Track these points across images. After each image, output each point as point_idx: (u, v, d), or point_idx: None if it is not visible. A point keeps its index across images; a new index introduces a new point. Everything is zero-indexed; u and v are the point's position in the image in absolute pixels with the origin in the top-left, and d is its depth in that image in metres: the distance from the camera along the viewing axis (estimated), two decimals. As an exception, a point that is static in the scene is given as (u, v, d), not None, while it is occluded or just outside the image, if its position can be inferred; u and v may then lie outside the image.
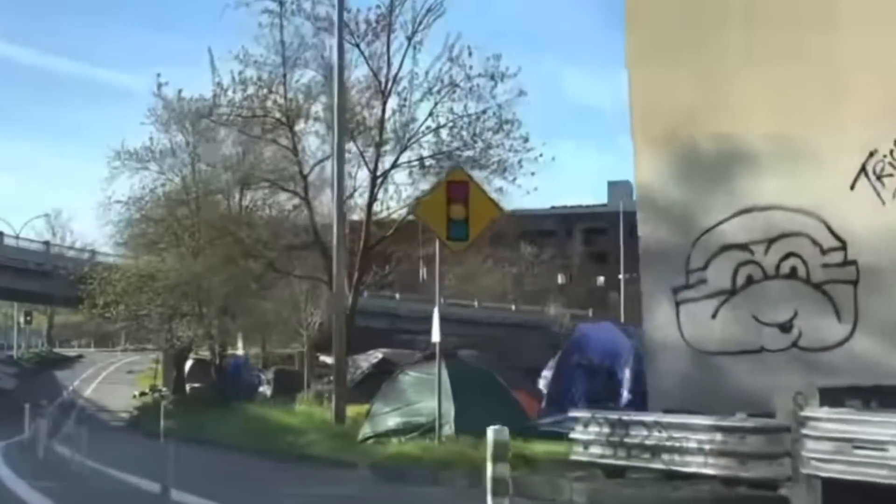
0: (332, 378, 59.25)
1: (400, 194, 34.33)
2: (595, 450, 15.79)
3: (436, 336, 22.40)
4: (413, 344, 56.65)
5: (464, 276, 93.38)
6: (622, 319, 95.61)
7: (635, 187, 19.83)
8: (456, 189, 21.93)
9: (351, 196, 34.31)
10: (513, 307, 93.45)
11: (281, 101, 33.12)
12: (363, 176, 34.65)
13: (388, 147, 33.63)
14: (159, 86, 34.24)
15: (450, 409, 22.55)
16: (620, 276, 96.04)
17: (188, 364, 72.92)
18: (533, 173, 33.15)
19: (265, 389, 54.70)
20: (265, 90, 33.04)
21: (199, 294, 49.16)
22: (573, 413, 16.44)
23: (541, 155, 33.05)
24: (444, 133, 33.55)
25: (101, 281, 50.56)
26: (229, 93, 32.93)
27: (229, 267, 43.71)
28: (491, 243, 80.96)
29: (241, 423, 34.89)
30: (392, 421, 23.90)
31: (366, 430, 24.41)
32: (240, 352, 61.12)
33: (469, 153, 33.34)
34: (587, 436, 15.96)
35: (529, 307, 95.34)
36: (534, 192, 33.97)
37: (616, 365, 24.49)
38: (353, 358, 56.02)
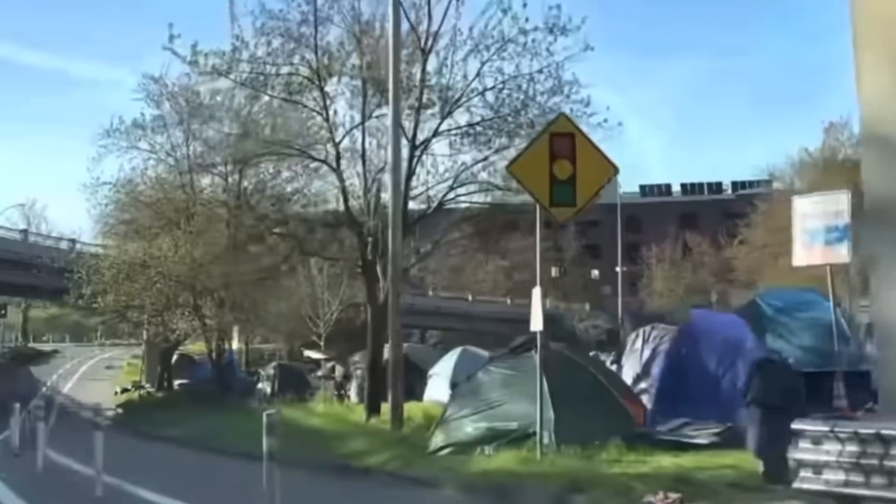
0: (326, 375, 56.52)
1: (437, 167, 29.73)
2: (831, 475, 11.33)
3: (537, 323, 17.96)
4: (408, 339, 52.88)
5: (454, 268, 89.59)
6: (619, 312, 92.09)
7: (860, 119, 15.09)
8: (560, 143, 17.51)
9: (382, 170, 29.71)
10: (508, 301, 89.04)
11: (310, 55, 28.32)
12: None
13: (429, 112, 28.97)
14: (171, 38, 29.64)
15: (548, 414, 18.10)
16: (618, 269, 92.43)
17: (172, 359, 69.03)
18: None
19: (264, 386, 50.24)
20: (292, 43, 28.28)
21: (197, 284, 44.85)
22: (798, 425, 11.87)
23: (605, 120, 28.36)
24: (490, 96, 28.95)
25: (89, 269, 46.07)
26: (251, 46, 28.08)
27: (237, 253, 39.57)
28: (479, 235, 76.54)
29: (260, 426, 30.21)
30: (472, 427, 19.34)
31: (438, 438, 19.84)
32: (235, 346, 56.43)
33: (521, 119, 28.78)
34: (820, 456, 11.46)
35: (524, 301, 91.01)
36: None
37: (735, 361, 19.99)
38: (364, 353, 51.78)
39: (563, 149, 17.36)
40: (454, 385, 36.54)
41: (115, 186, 47.34)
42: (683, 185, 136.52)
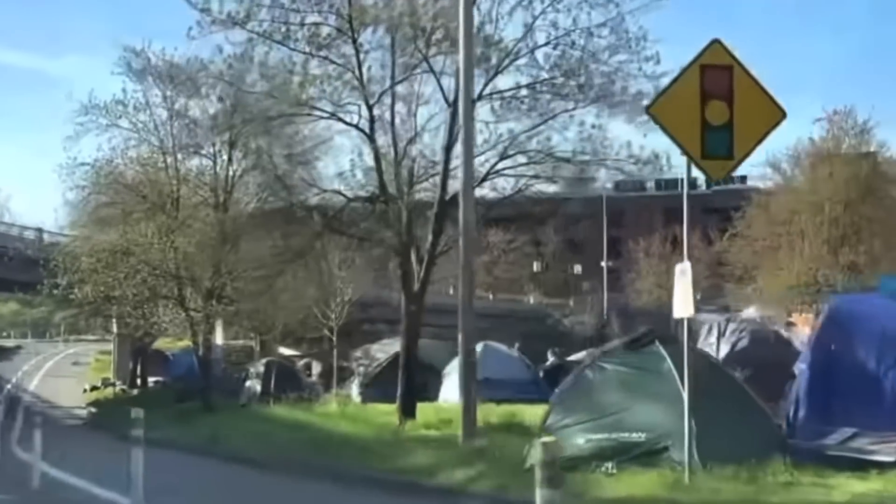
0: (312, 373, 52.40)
1: (486, 134, 25.54)
2: None
3: (684, 308, 13.96)
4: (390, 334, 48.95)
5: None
6: (604, 308, 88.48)
7: None
8: (714, 78, 13.54)
9: (414, 140, 25.61)
10: (490, 296, 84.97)
11: (341, 1, 23.97)
12: (426, 113, 26.04)
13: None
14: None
15: (682, 424, 14.10)
16: (603, 264, 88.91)
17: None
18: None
19: (253, 384, 46.00)
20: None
21: (182, 273, 40.82)
22: None
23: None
24: (540, 55, 24.81)
25: (66, 257, 41.81)
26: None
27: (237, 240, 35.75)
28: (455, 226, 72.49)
29: (274, 431, 26.21)
30: (584, 439, 15.14)
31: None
32: (219, 341, 52.01)
33: (578, 80, 24.65)
34: None
35: (508, 296, 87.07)
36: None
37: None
38: (366, 348, 47.61)
39: (717, 86, 13.39)
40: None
41: (93, 167, 43.01)
42: (658, 181, 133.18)
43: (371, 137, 24.59)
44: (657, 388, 14.61)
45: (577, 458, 14.89)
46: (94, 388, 68.12)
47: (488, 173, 25.22)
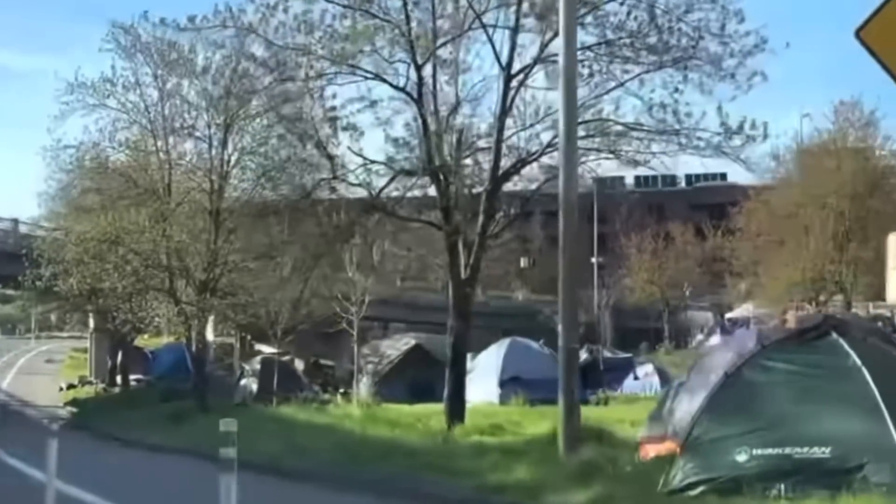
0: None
1: (536, 104, 22.34)
2: None
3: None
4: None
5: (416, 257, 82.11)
6: (595, 305, 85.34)
7: None
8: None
9: (458, 107, 22.31)
10: (479, 292, 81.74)
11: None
12: (473, 80, 22.80)
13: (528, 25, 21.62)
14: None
15: (883, 435, 11.02)
16: (594, 260, 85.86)
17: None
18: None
19: (249, 383, 42.76)
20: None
21: (173, 264, 37.69)
22: None
23: (763, 41, 21.00)
24: (609, 13, 21.59)
25: (51, 246, 38.55)
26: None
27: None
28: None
29: (295, 436, 23.01)
30: (745, 454, 11.90)
31: (684, 469, 12.38)
32: (210, 337, 48.52)
33: (648, 41, 21.42)
34: None
35: (496, 293, 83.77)
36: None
37: None
38: (374, 344, 44.35)
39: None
40: (503, 384, 29.85)
41: (78, 150, 39.62)
42: (637, 178, 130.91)
43: (419, 102, 21.27)
44: (843, 391, 11.55)
45: (735, 479, 11.80)
46: (70, 387, 64.57)
47: (544, 148, 21.99)
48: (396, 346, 39.48)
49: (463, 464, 16.12)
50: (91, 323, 69.83)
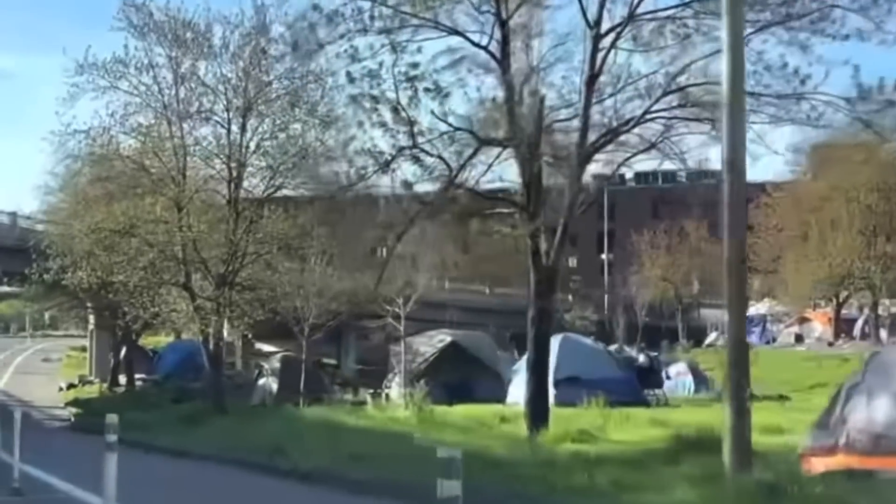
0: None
1: (628, 71, 19.58)
2: None
3: None
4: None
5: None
6: (606, 303, 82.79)
7: None
8: None
9: (529, 79, 19.49)
10: (486, 290, 78.90)
11: None
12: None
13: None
14: None
15: None
16: (603, 256, 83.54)
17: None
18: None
19: (268, 382, 40.07)
20: None
21: (189, 256, 35.20)
22: None
23: None
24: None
25: (61, 236, 35.90)
26: None
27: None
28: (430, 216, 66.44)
29: (345, 442, 20.31)
30: None
31: None
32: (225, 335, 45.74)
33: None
34: None
35: (501, 290, 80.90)
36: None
37: None
38: (410, 340, 41.43)
39: None
40: (558, 384, 27.25)
41: (88, 135, 36.44)
42: (637, 174, 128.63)
43: (502, 63, 18.43)
44: None
45: None
46: (71, 386, 62.02)
47: (641, 117, 19.24)
48: (431, 343, 36.68)
49: (579, 479, 13.45)
50: (91, 320, 67.19)
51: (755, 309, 76.89)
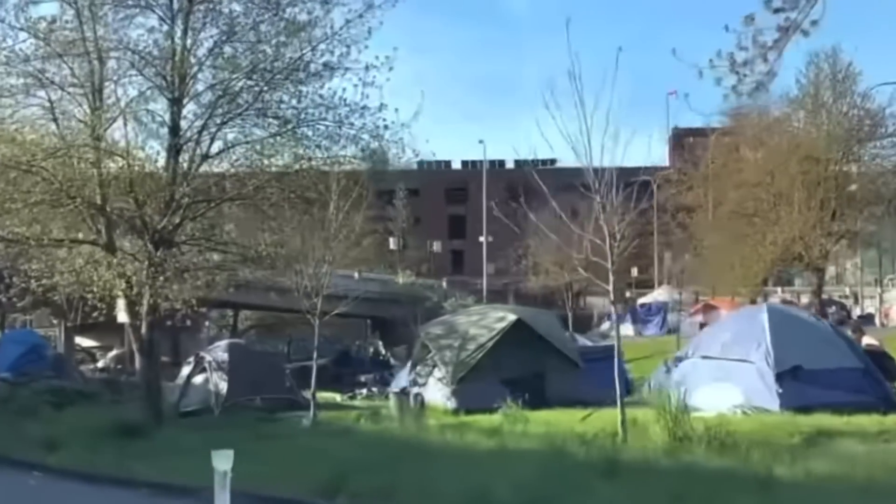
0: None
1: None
2: None
3: None
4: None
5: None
6: (484, 289, 73.44)
7: None
8: None
9: None
10: (356, 275, 68.30)
11: None
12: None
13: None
14: None
15: None
16: (482, 239, 74.19)
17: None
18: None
19: (214, 381, 28.50)
20: None
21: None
22: None
23: None
24: None
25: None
26: None
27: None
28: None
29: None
30: None
31: None
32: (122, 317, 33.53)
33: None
34: None
35: (374, 275, 70.49)
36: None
37: None
38: (451, 321, 30.00)
39: None
40: (781, 377, 17.38)
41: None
42: (464, 162, 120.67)
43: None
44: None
45: None
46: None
47: None
48: (485, 324, 25.04)
49: None
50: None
51: (653, 296, 68.77)
